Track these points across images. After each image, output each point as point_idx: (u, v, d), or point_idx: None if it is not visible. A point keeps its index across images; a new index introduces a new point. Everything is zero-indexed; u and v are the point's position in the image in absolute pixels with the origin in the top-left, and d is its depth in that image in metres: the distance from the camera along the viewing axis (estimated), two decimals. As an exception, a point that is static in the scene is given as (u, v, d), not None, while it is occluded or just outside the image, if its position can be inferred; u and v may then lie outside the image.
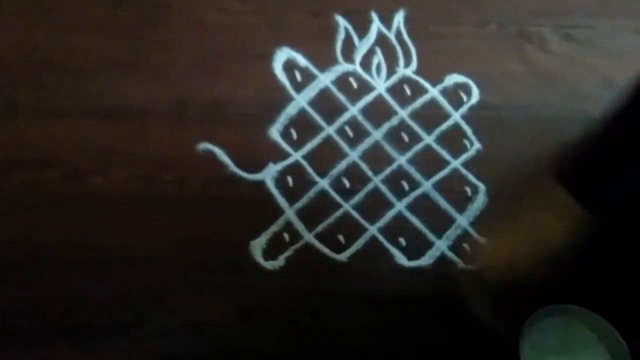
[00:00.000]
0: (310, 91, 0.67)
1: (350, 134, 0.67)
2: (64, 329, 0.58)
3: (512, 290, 0.49)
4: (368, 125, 0.67)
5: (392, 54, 0.70)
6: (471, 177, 0.66)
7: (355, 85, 0.68)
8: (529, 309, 0.52)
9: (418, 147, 0.67)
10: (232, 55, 0.67)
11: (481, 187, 0.66)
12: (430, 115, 0.68)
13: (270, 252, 0.62)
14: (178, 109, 0.65)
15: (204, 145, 0.64)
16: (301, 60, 0.68)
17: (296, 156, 0.65)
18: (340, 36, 0.70)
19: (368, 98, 0.68)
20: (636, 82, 0.45)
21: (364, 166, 0.66)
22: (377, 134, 0.67)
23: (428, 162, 0.66)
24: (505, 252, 0.50)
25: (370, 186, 0.65)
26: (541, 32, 0.71)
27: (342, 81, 0.68)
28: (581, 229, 0.48)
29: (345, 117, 0.67)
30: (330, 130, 0.67)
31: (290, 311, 0.60)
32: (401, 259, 0.63)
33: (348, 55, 0.69)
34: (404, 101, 0.68)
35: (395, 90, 0.68)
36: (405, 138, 0.67)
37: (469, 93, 0.68)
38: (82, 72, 0.65)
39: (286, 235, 0.62)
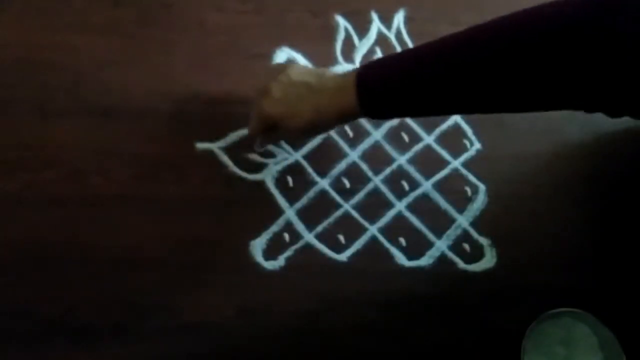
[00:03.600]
0: (310, 91, 0.67)
1: (350, 133, 0.67)
2: (64, 329, 0.58)
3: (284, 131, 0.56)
4: (368, 125, 0.67)
5: (392, 54, 0.70)
6: (471, 177, 0.66)
7: (355, 85, 0.68)
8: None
9: (418, 147, 0.67)
10: (232, 55, 0.67)
11: (481, 187, 0.66)
12: (430, 115, 0.68)
13: (270, 252, 0.62)
14: (178, 109, 0.65)
15: (204, 145, 0.64)
16: (301, 60, 0.68)
17: (296, 156, 0.65)
18: (340, 36, 0.70)
19: (368, 98, 0.68)
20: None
21: (364, 166, 0.66)
22: (377, 134, 0.67)
23: (428, 162, 0.67)
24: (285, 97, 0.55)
25: (370, 186, 0.65)
26: (541, 32, 0.71)
27: (342, 81, 0.68)
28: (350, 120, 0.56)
29: (345, 117, 0.67)
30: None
31: (290, 311, 0.60)
32: (401, 259, 0.63)
33: (348, 55, 0.69)
34: (404, 101, 0.68)
35: (395, 90, 0.68)
36: (405, 138, 0.67)
37: (469, 93, 0.68)
38: (82, 72, 0.65)
39: (286, 235, 0.62)
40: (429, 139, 0.67)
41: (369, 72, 0.52)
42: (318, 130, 0.61)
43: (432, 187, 0.66)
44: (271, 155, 0.65)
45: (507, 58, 0.44)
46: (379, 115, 0.54)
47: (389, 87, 0.50)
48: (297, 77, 0.55)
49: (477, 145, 0.68)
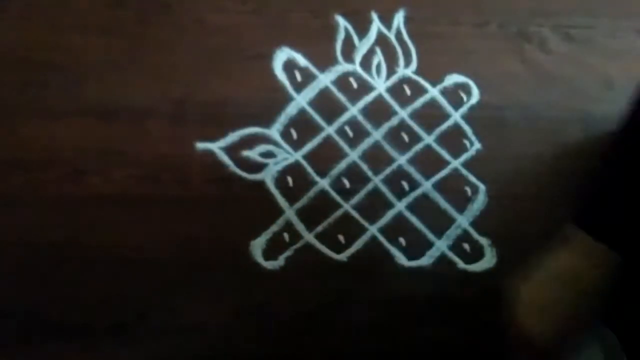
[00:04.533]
0: (310, 91, 0.67)
1: (350, 134, 0.67)
2: (64, 328, 0.58)
3: (555, 344, 0.46)
4: (368, 125, 0.67)
5: (392, 54, 0.70)
6: (471, 177, 0.66)
7: (355, 85, 0.68)
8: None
9: (418, 147, 0.67)
10: (232, 55, 0.67)
11: (481, 187, 0.66)
12: (430, 115, 0.68)
13: (270, 252, 0.62)
14: (178, 109, 0.65)
15: (204, 145, 0.64)
16: (301, 60, 0.68)
17: (296, 156, 0.65)
18: (340, 36, 0.70)
19: (368, 98, 0.68)
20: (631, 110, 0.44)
21: (364, 166, 0.66)
22: (377, 134, 0.67)
23: (428, 162, 0.66)
24: (543, 304, 0.46)
25: (370, 186, 0.65)
26: (541, 32, 0.71)
27: (342, 81, 0.68)
28: (615, 271, 0.45)
29: (345, 117, 0.67)
30: (330, 130, 0.67)
31: (290, 311, 0.60)
32: (401, 259, 0.63)
33: (348, 55, 0.69)
34: (404, 101, 0.68)
35: (395, 90, 0.68)
36: (405, 138, 0.67)
37: (469, 93, 0.68)
38: (82, 72, 0.65)
39: (286, 235, 0.62)
40: (429, 139, 0.67)
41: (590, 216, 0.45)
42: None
43: (432, 187, 0.66)
44: (271, 155, 0.65)
45: None
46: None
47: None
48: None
49: (477, 145, 0.68)
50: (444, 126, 0.68)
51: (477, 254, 0.64)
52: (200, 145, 0.64)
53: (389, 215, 0.64)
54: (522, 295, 0.46)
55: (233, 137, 0.65)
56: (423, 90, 0.68)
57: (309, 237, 0.62)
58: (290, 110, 0.66)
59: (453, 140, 0.68)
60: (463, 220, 0.65)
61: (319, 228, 0.63)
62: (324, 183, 0.65)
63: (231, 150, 0.64)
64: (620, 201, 0.44)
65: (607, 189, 0.45)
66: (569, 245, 0.45)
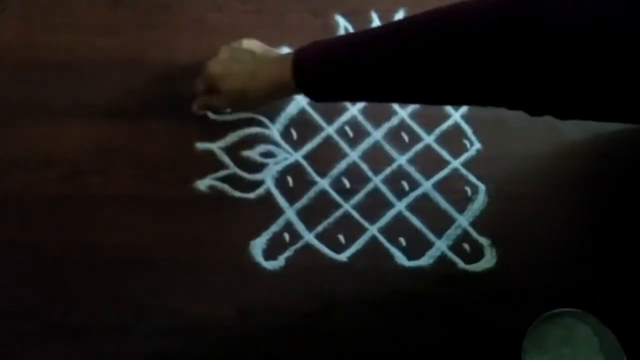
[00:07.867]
0: (310, 91, 0.67)
1: (350, 134, 0.67)
2: (64, 329, 0.58)
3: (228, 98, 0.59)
4: (368, 125, 0.67)
5: (392, 54, 0.70)
6: (471, 177, 0.66)
7: (355, 85, 0.68)
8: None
9: (418, 147, 0.67)
10: (232, 55, 0.67)
11: (481, 187, 0.66)
12: (430, 115, 0.68)
13: (270, 252, 0.62)
14: (178, 109, 0.65)
15: (204, 145, 0.64)
16: (301, 60, 0.68)
17: (296, 156, 0.65)
18: (340, 36, 0.70)
19: (368, 98, 0.68)
20: None
21: (364, 166, 0.66)
22: (377, 134, 0.67)
23: (428, 162, 0.67)
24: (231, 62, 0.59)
25: (370, 186, 0.65)
26: (541, 32, 0.71)
27: (342, 81, 0.68)
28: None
29: (345, 117, 0.67)
30: (330, 130, 0.67)
31: (290, 311, 0.60)
32: (401, 259, 0.63)
33: (348, 55, 0.69)
34: (404, 101, 0.68)
35: (395, 90, 0.68)
36: (405, 138, 0.67)
37: (469, 93, 0.68)
38: (82, 72, 0.65)
39: (286, 235, 0.62)
40: (429, 139, 0.67)
41: (308, 48, 0.54)
42: (249, 98, 0.59)
43: (432, 187, 0.66)
44: (271, 155, 0.65)
45: (434, 52, 0.45)
46: (310, 90, 0.55)
47: (322, 65, 0.52)
48: (247, 45, 0.60)
49: (477, 145, 0.68)
50: (444, 126, 0.68)
51: (477, 254, 0.64)
52: (200, 145, 0.64)
53: (389, 215, 0.64)
54: (220, 53, 0.60)
55: (233, 137, 0.65)
56: (423, 90, 0.68)
57: (309, 237, 0.62)
58: (290, 110, 0.67)
59: (453, 140, 0.68)
60: (463, 220, 0.65)
61: (319, 228, 0.63)
62: (324, 183, 0.65)
63: (231, 150, 0.64)
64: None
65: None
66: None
